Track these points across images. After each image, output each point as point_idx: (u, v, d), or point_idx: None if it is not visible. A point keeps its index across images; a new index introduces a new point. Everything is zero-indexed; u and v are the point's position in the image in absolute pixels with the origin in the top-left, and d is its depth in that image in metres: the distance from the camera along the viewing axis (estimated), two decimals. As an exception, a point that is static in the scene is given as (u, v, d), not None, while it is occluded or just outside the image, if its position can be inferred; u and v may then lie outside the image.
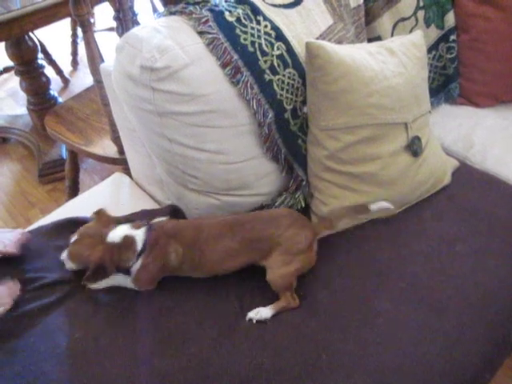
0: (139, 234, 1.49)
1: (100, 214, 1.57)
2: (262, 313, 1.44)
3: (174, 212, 1.75)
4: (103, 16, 4.70)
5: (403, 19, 2.04)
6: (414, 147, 1.67)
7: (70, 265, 1.51)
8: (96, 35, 4.19)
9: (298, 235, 1.51)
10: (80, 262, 1.49)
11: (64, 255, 1.51)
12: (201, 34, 1.52)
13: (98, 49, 2.04)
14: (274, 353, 1.35)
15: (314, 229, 1.57)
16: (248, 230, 1.51)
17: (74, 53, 4.32)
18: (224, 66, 1.52)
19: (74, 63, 4.35)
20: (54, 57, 4.03)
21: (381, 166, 1.65)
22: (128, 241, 1.47)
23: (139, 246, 1.47)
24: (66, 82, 4.12)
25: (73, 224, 1.69)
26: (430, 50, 2.12)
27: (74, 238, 1.49)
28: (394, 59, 1.68)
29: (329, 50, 1.56)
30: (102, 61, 2.02)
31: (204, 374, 1.31)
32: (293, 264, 1.49)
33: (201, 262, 1.50)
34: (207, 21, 1.53)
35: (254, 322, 1.43)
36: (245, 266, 1.53)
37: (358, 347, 1.36)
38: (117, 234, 1.49)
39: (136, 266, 1.47)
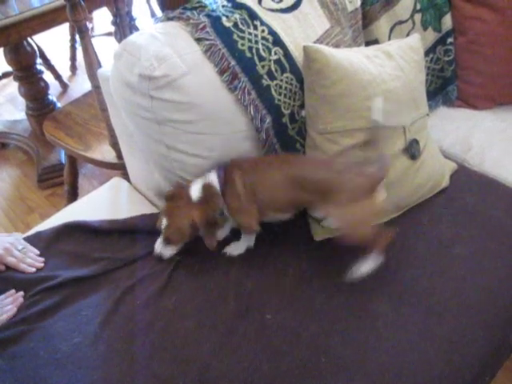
0: (212, 177, 1.53)
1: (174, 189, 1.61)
2: (362, 268, 1.48)
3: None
4: (102, 21, 4.70)
5: (400, 22, 2.04)
6: (412, 150, 1.67)
7: (169, 251, 1.56)
8: (94, 40, 4.21)
9: (360, 178, 1.48)
10: (183, 235, 1.53)
11: (160, 244, 1.56)
12: (198, 40, 1.52)
13: (96, 54, 2.04)
14: (274, 356, 1.35)
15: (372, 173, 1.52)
16: (298, 169, 1.54)
17: (73, 58, 4.32)
18: (221, 72, 1.53)
19: (73, 68, 4.36)
20: (53, 62, 4.04)
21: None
22: (207, 188, 1.52)
23: (218, 186, 1.52)
24: (64, 87, 4.12)
25: (71, 229, 1.70)
26: (427, 53, 2.12)
27: (163, 223, 1.52)
28: (392, 63, 1.68)
29: (326, 53, 1.56)
30: (100, 66, 2.03)
31: (203, 379, 1.31)
32: (357, 214, 1.46)
33: (256, 193, 1.52)
34: (204, 27, 1.53)
35: (361, 276, 1.48)
36: (299, 205, 1.60)
37: (358, 350, 1.36)
38: (195, 188, 1.53)
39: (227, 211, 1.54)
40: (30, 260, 1.58)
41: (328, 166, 1.55)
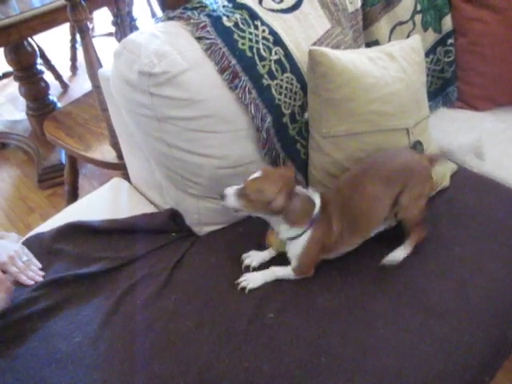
0: (317, 200, 1.48)
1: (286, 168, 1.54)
2: (397, 255, 1.54)
3: (174, 216, 1.76)
4: (102, 21, 4.71)
5: (401, 23, 2.04)
6: (416, 152, 1.67)
7: (233, 202, 1.44)
8: (95, 40, 4.21)
9: (423, 159, 1.57)
10: (258, 197, 1.40)
11: (234, 190, 1.44)
12: (199, 39, 1.53)
13: (96, 54, 2.04)
14: (274, 356, 1.35)
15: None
16: (380, 167, 1.53)
17: (73, 58, 4.32)
18: (222, 71, 1.53)
19: (73, 68, 4.36)
20: (53, 62, 4.04)
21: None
22: (309, 201, 1.46)
23: (316, 210, 1.46)
24: (65, 87, 4.13)
25: (72, 229, 1.70)
26: (427, 54, 2.12)
27: (256, 174, 1.44)
28: (395, 64, 1.68)
29: (332, 57, 1.56)
30: (101, 66, 2.03)
31: (203, 379, 1.31)
32: (423, 197, 1.55)
33: (357, 218, 1.50)
34: (205, 26, 1.53)
35: (395, 263, 1.53)
36: (391, 210, 1.55)
37: (358, 350, 1.36)
38: (303, 189, 1.48)
39: (305, 237, 1.47)
40: (32, 273, 1.57)
41: (401, 154, 1.60)
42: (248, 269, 1.57)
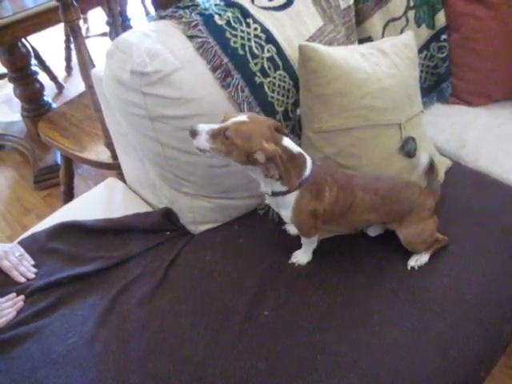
0: (308, 161, 1.42)
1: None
2: (421, 259, 1.56)
3: (168, 215, 1.75)
4: (97, 21, 4.70)
5: (394, 19, 2.04)
6: (408, 148, 1.67)
7: (205, 143, 1.29)
8: (90, 41, 4.21)
9: (428, 201, 1.56)
10: (243, 143, 1.28)
11: (207, 129, 1.29)
12: (191, 37, 1.52)
13: (89, 54, 2.04)
14: (269, 355, 1.35)
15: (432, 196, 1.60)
16: (390, 187, 1.53)
17: (68, 58, 4.30)
18: (214, 69, 1.53)
19: (68, 69, 4.34)
20: (48, 63, 4.02)
21: (374, 170, 1.65)
22: (301, 159, 1.40)
23: (308, 170, 1.41)
24: (60, 87, 4.11)
25: (66, 228, 1.70)
26: (421, 50, 2.12)
27: (241, 118, 1.31)
28: (387, 60, 1.68)
29: (322, 52, 1.56)
30: (94, 66, 2.03)
31: (198, 377, 1.31)
32: (426, 232, 1.55)
33: (351, 206, 1.48)
34: (197, 24, 1.53)
35: (416, 268, 1.55)
36: (378, 223, 1.60)
37: (353, 348, 1.36)
38: (293, 144, 1.39)
39: (291, 199, 1.42)
40: (23, 268, 1.58)
41: (409, 187, 1.58)
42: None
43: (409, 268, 1.55)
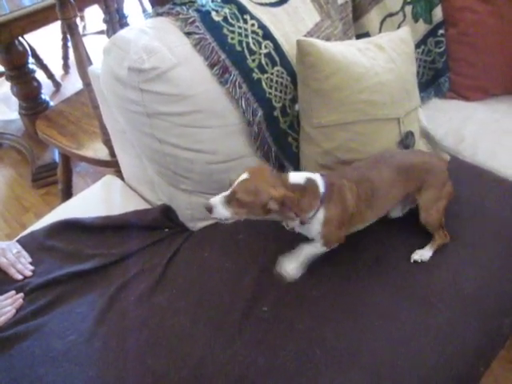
0: (318, 178, 1.42)
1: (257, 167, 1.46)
2: (425, 254, 1.56)
3: (167, 212, 1.75)
4: (94, 19, 4.69)
5: (391, 14, 2.04)
6: (408, 142, 1.67)
7: (224, 211, 1.34)
8: (87, 38, 4.20)
9: (441, 162, 1.59)
10: (253, 201, 1.31)
11: (219, 198, 1.34)
12: (188, 34, 1.53)
13: (86, 52, 2.04)
14: (268, 350, 1.35)
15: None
16: (399, 158, 1.55)
17: (65, 57, 4.30)
18: (212, 65, 1.53)
19: (66, 67, 4.34)
20: (46, 61, 4.02)
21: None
22: (312, 183, 1.40)
23: (321, 188, 1.41)
24: (57, 86, 4.10)
25: (64, 226, 1.70)
26: (418, 45, 2.13)
27: (241, 177, 1.34)
28: (384, 55, 1.68)
29: (320, 47, 1.57)
30: (91, 64, 2.02)
31: (198, 373, 1.31)
32: (442, 200, 1.56)
33: (373, 193, 1.48)
34: (194, 21, 1.53)
35: (419, 261, 1.55)
36: (403, 199, 1.58)
37: (352, 343, 1.36)
38: (298, 175, 1.41)
39: (319, 218, 1.42)
40: (21, 266, 1.58)
41: (418, 152, 1.61)
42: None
43: (412, 261, 1.55)
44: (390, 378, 1.30)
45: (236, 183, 1.34)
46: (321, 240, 1.46)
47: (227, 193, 1.34)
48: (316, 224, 1.43)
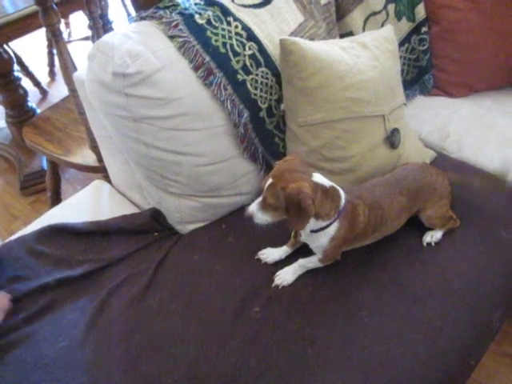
0: (342, 191, 1.43)
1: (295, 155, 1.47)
2: (436, 235, 1.61)
3: (156, 216, 1.75)
4: (79, 25, 4.67)
5: (374, 13, 2.05)
6: (393, 139, 1.68)
7: (261, 215, 1.37)
8: (72, 45, 4.18)
9: (445, 179, 1.64)
10: (279, 203, 1.33)
11: (256, 205, 1.38)
12: (172, 37, 1.53)
13: (71, 58, 2.04)
14: (261, 350, 1.35)
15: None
16: (411, 181, 1.56)
17: (51, 64, 4.28)
18: (196, 68, 1.53)
19: (52, 74, 4.32)
20: (31, 68, 4.00)
21: (359, 161, 1.66)
22: (335, 192, 1.41)
23: (343, 202, 1.42)
24: (44, 93, 4.09)
25: (53, 231, 1.70)
26: (402, 43, 2.14)
27: (269, 181, 1.36)
28: (367, 53, 1.69)
29: (303, 45, 1.57)
30: (76, 70, 2.02)
31: (191, 376, 1.31)
32: (443, 208, 1.62)
33: (382, 220, 1.51)
34: (177, 24, 1.53)
35: (433, 244, 1.60)
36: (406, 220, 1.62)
37: (344, 341, 1.37)
38: (324, 179, 1.40)
39: (329, 232, 1.43)
40: None
41: (424, 170, 1.61)
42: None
43: (424, 244, 1.59)
44: (381, 374, 1.31)
45: (265, 188, 1.36)
46: (322, 254, 1.48)
47: (260, 199, 1.38)
48: (324, 237, 1.44)
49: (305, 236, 1.49)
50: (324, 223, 1.41)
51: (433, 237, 1.60)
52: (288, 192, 1.30)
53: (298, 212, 1.30)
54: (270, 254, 1.59)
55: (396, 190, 1.54)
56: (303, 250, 1.56)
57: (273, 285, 1.52)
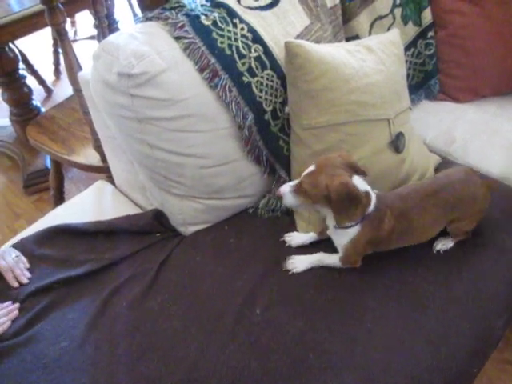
0: (373, 196, 1.45)
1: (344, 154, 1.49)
2: (448, 244, 1.59)
3: (158, 217, 1.75)
4: (85, 24, 4.68)
5: (380, 17, 2.05)
6: (398, 143, 1.67)
7: (292, 199, 1.43)
8: (78, 44, 4.19)
9: (488, 191, 1.58)
10: (316, 192, 1.38)
11: (290, 186, 1.43)
12: (177, 39, 1.52)
13: (76, 57, 2.03)
14: (262, 354, 1.35)
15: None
16: (450, 192, 1.53)
17: (57, 62, 4.29)
18: (202, 70, 1.53)
19: (57, 72, 4.32)
20: (37, 67, 4.01)
21: (364, 165, 1.64)
22: (367, 195, 1.43)
23: (370, 209, 1.44)
24: (49, 91, 4.09)
25: (56, 232, 1.70)
26: (408, 47, 2.14)
27: (310, 168, 1.42)
28: (373, 56, 1.69)
29: (308, 48, 1.57)
30: (81, 69, 2.02)
31: (191, 378, 1.31)
32: (479, 220, 1.60)
33: (408, 231, 1.51)
34: (183, 25, 1.53)
35: (441, 252, 1.58)
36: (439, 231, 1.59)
37: (346, 345, 1.36)
38: (362, 183, 1.42)
39: (351, 232, 1.46)
40: (19, 271, 1.56)
41: (467, 181, 1.57)
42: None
43: (435, 252, 1.58)
44: (383, 380, 1.30)
45: (304, 174, 1.42)
46: (342, 252, 1.50)
47: (296, 181, 1.43)
48: (345, 236, 1.47)
49: (330, 230, 1.52)
50: (347, 223, 1.44)
51: (444, 245, 1.59)
52: (335, 186, 1.35)
53: (346, 204, 1.38)
54: (296, 237, 1.62)
55: (431, 201, 1.51)
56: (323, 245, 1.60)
57: (284, 268, 1.54)
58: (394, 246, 1.55)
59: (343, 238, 1.48)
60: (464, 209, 1.54)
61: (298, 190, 1.42)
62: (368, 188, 1.43)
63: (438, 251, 1.58)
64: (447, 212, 1.53)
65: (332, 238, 1.54)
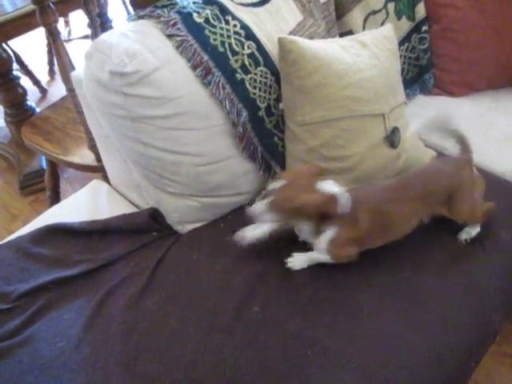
0: (346, 198, 1.41)
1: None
2: (474, 232, 1.59)
3: (154, 215, 1.75)
4: (79, 24, 4.67)
5: (374, 12, 2.05)
6: (393, 138, 1.67)
7: (265, 216, 1.40)
8: (72, 43, 4.18)
9: (469, 173, 1.59)
10: (290, 207, 1.37)
11: (262, 204, 1.39)
12: (170, 36, 1.52)
13: (69, 57, 2.03)
14: (260, 351, 1.34)
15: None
16: (428, 181, 1.54)
17: (51, 62, 4.27)
18: (195, 67, 1.52)
19: (51, 73, 4.31)
20: (31, 67, 3.99)
21: (359, 160, 1.65)
22: (333, 199, 1.41)
23: (344, 207, 1.40)
24: (43, 92, 4.08)
25: (51, 231, 1.69)
26: (402, 42, 2.13)
27: (279, 183, 1.40)
28: (367, 52, 1.68)
29: (301, 44, 1.57)
30: (74, 69, 2.01)
31: (189, 377, 1.30)
32: (476, 200, 1.58)
33: (389, 223, 1.51)
34: (175, 23, 1.52)
35: (468, 241, 1.59)
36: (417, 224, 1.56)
37: (344, 342, 1.36)
38: (328, 185, 1.41)
39: (327, 235, 1.44)
40: None
41: (449, 165, 1.59)
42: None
43: (460, 241, 1.59)
44: (381, 376, 1.30)
45: (274, 191, 1.39)
46: (327, 255, 1.49)
47: (268, 200, 1.39)
48: (323, 240, 1.46)
49: (307, 236, 1.51)
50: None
51: (468, 233, 1.59)
52: (302, 203, 1.35)
53: (322, 218, 1.39)
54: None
55: (408, 193, 1.51)
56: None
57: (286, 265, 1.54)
58: (378, 242, 1.53)
59: (321, 242, 1.46)
60: (446, 195, 1.53)
61: (271, 208, 1.38)
62: (337, 190, 1.41)
63: (466, 240, 1.59)
64: (427, 203, 1.53)
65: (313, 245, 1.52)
